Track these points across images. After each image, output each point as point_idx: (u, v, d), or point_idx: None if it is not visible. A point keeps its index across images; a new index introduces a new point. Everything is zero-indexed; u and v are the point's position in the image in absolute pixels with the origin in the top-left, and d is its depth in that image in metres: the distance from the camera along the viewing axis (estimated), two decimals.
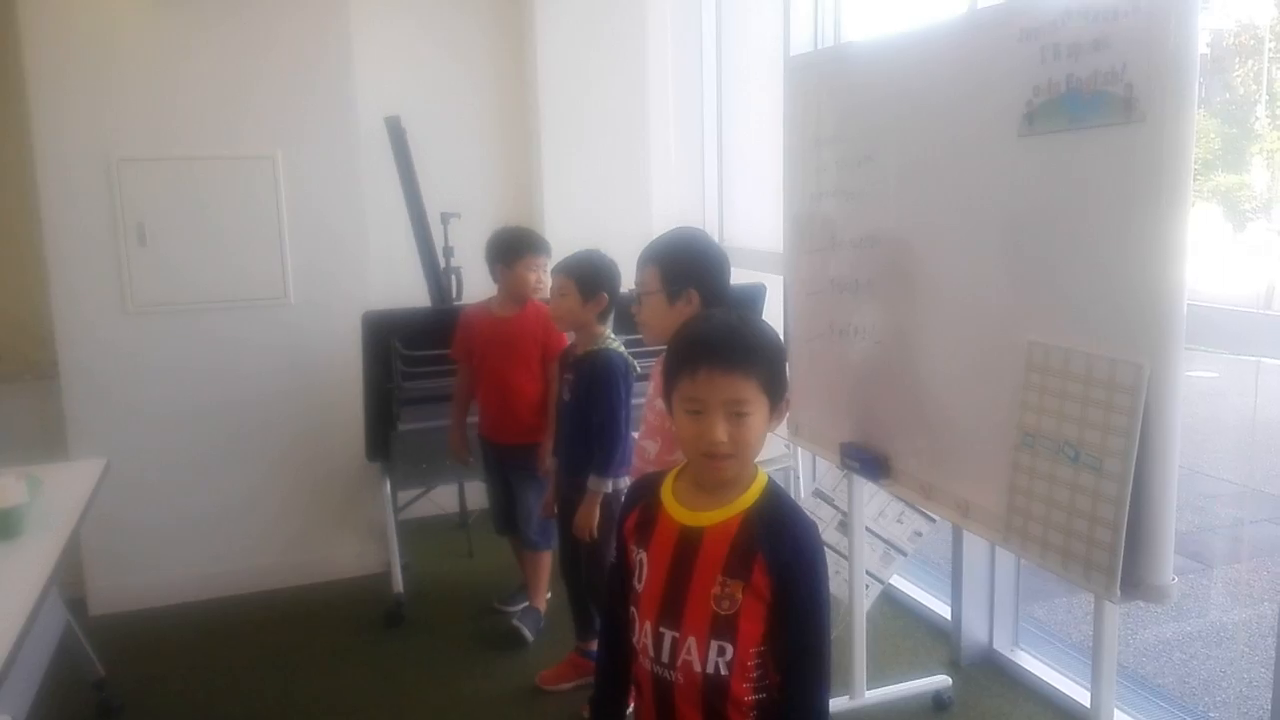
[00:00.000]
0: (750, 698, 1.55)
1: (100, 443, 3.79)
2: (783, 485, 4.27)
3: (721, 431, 1.51)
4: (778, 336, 1.63)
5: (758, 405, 1.52)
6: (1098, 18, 1.93)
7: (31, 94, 3.76)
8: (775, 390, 1.55)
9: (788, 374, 1.62)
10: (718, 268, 2.47)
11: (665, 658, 1.56)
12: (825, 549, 3.76)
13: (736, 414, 1.51)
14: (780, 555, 1.52)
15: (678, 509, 1.61)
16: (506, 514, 3.79)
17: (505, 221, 3.93)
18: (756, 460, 1.64)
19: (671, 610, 1.56)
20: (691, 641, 1.54)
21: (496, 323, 3.63)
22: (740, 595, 1.52)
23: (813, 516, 3.70)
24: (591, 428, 3.08)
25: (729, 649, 1.52)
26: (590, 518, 3.08)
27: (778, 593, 1.51)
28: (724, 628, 1.52)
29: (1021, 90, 2.14)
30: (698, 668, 1.54)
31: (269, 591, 4.20)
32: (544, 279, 3.56)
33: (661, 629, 1.57)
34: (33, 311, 4.10)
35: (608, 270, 3.12)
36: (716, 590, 1.53)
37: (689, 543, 1.57)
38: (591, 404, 3.08)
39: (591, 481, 3.08)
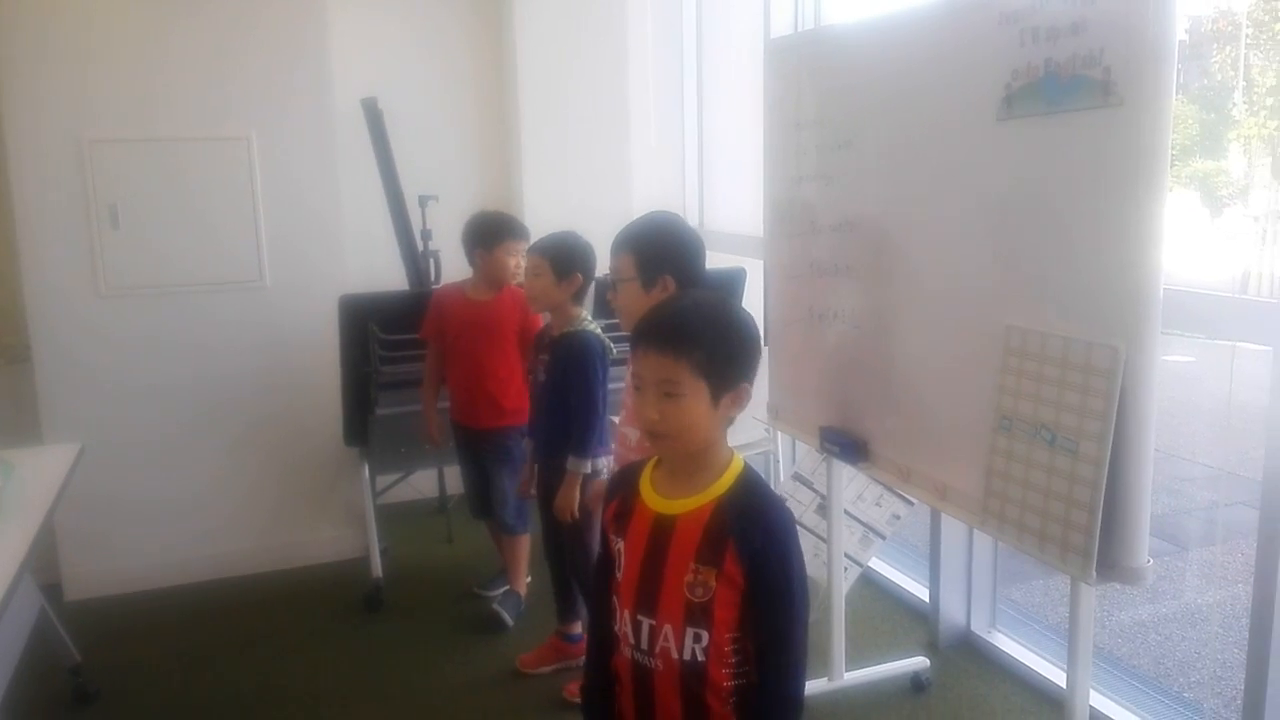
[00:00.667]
0: (729, 683, 1.55)
1: (74, 427, 3.76)
2: (762, 469, 4.30)
3: (653, 410, 1.53)
4: (735, 323, 1.60)
5: (691, 388, 1.52)
6: (1076, 1, 1.93)
7: (1, 74, 3.70)
8: (716, 375, 1.54)
9: (745, 360, 1.59)
10: (692, 253, 2.46)
11: (644, 645, 1.57)
12: (801, 534, 3.76)
13: (668, 394, 1.52)
14: (751, 542, 1.51)
15: (653, 497, 1.62)
16: (482, 498, 3.78)
17: (484, 205, 3.90)
18: (734, 445, 1.64)
19: (647, 598, 1.57)
20: (668, 629, 1.54)
21: (471, 306, 3.61)
22: (713, 582, 1.52)
23: (792, 500, 3.72)
24: (568, 409, 3.07)
25: (704, 635, 1.52)
26: (571, 499, 3.08)
27: (750, 579, 1.51)
28: (699, 615, 1.53)
29: (1000, 74, 2.13)
30: (675, 655, 1.54)
31: (246, 576, 4.18)
32: (523, 265, 3.54)
33: (639, 617, 1.58)
34: (5, 295, 4.05)
35: (582, 251, 3.11)
36: (690, 578, 1.53)
37: (663, 530, 1.58)
38: (568, 385, 3.07)
39: (570, 462, 3.08)
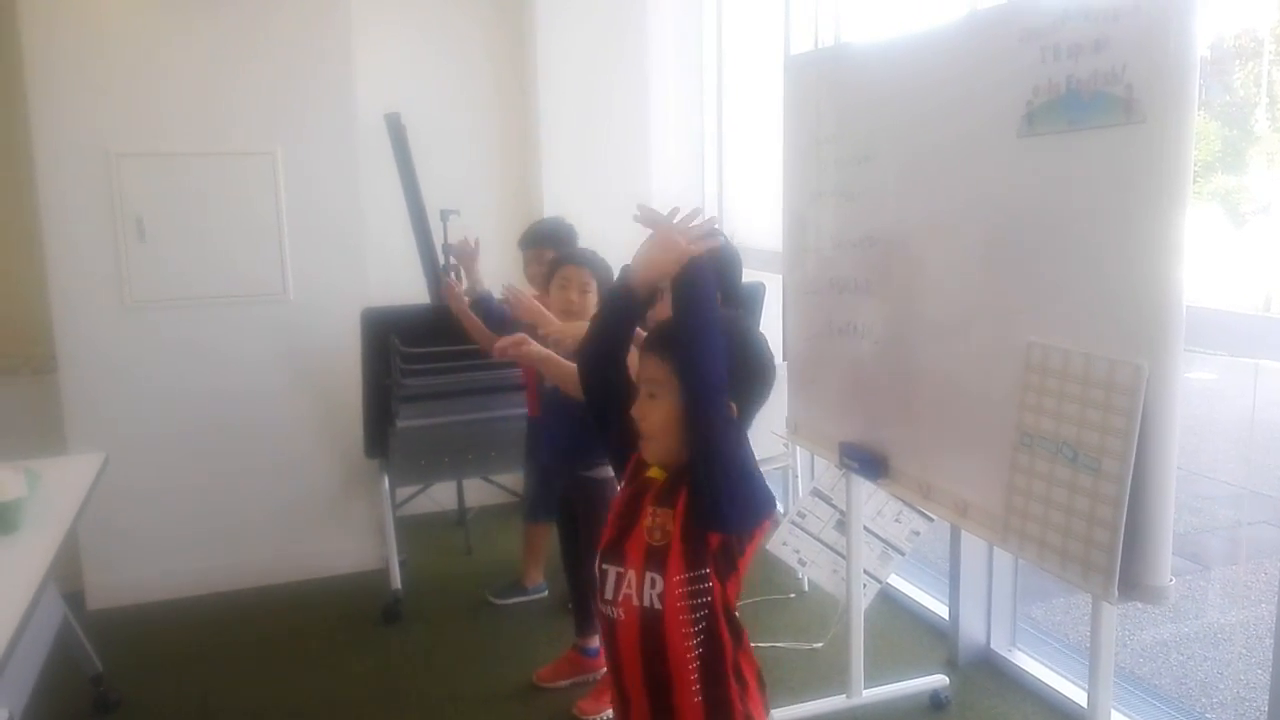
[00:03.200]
0: (689, 643, 1.59)
1: (98, 437, 3.78)
2: (781, 484, 4.29)
3: (638, 409, 1.63)
4: (736, 343, 1.63)
5: (667, 390, 1.59)
6: (1098, 19, 1.93)
7: (29, 88, 3.75)
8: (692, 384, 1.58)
9: (734, 380, 1.59)
10: (739, 272, 2.47)
11: (609, 594, 1.65)
12: (820, 550, 3.72)
13: (651, 395, 1.62)
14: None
15: (655, 468, 1.69)
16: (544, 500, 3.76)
17: (505, 218, 3.92)
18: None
19: (616, 547, 1.66)
20: (630, 575, 1.62)
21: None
22: (670, 525, 1.59)
23: (811, 516, 3.71)
24: (583, 420, 3.06)
25: (659, 581, 1.59)
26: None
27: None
28: (656, 560, 1.59)
29: (1021, 91, 2.13)
30: (635, 601, 1.61)
31: (267, 587, 4.20)
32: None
33: (605, 565, 1.66)
34: (31, 306, 4.10)
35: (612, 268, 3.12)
36: (649, 521, 1.61)
37: (642, 490, 1.67)
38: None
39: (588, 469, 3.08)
